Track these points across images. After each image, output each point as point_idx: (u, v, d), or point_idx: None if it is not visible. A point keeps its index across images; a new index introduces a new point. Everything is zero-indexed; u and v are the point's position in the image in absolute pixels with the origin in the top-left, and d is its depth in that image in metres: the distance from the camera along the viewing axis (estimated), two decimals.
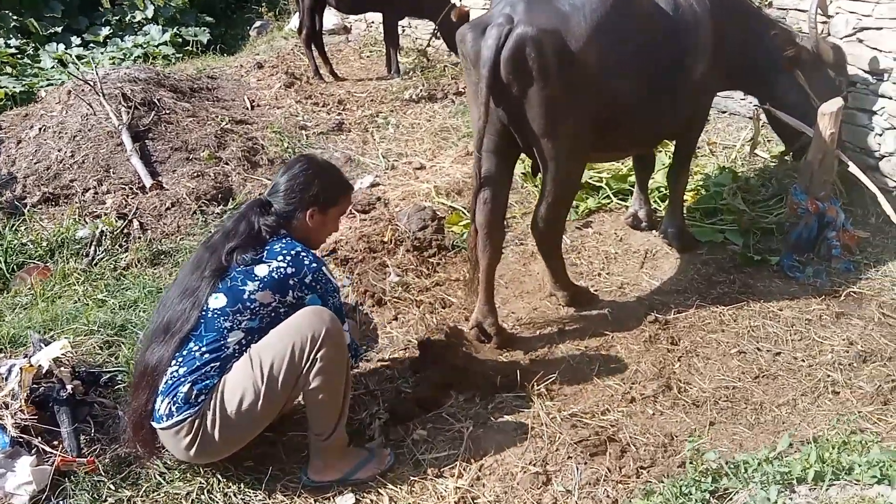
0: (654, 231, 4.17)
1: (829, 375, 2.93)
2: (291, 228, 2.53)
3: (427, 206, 4.43)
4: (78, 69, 6.51)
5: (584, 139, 3.05)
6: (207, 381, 2.28)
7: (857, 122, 4.11)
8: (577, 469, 2.49)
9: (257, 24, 10.40)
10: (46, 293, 3.70)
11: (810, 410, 2.78)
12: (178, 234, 4.35)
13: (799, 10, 4.51)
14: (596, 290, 3.71)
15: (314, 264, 2.43)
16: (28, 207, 4.49)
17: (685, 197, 4.37)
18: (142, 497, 2.40)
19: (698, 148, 5.05)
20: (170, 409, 2.26)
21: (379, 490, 2.49)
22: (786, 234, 3.86)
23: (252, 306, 2.34)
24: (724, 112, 5.38)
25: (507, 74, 2.81)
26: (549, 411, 2.77)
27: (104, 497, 2.38)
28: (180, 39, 9.59)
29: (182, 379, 2.27)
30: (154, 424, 2.31)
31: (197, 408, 2.26)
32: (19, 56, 8.48)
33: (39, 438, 2.44)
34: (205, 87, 6.54)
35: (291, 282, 2.38)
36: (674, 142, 3.84)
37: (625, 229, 4.28)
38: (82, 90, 5.44)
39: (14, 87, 6.33)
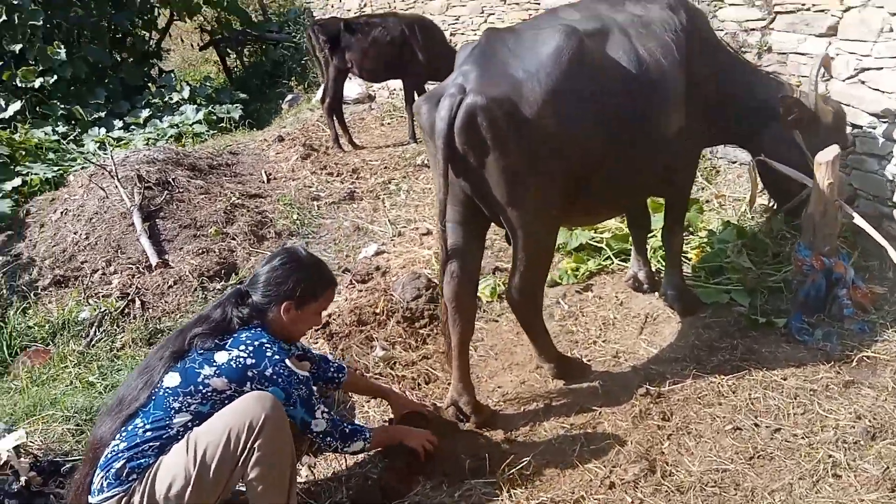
0: (656, 293, 3.97)
1: (830, 456, 2.66)
2: (266, 321, 2.50)
3: (423, 273, 4.35)
4: (103, 153, 6.81)
5: (552, 204, 2.94)
6: (143, 460, 2.22)
7: (868, 168, 3.87)
8: None
9: (289, 97, 10.76)
10: (42, 377, 3.76)
11: (807, 497, 2.51)
12: (178, 311, 4.40)
13: (798, 54, 4.34)
14: (589, 360, 3.53)
15: (276, 356, 2.37)
16: (39, 290, 4.63)
17: (689, 255, 4.19)
18: None
19: (706, 202, 4.90)
20: (101, 484, 2.22)
21: None
22: (793, 294, 3.62)
23: (205, 391, 2.30)
24: (734, 163, 5.17)
25: (462, 145, 2.75)
26: (518, 500, 2.59)
27: None
28: (214, 117, 9.96)
29: (119, 455, 2.22)
30: (90, 499, 2.25)
31: (126, 486, 2.20)
32: (64, 142, 8.94)
33: None
34: (224, 164, 6.74)
35: (250, 373, 2.34)
36: (663, 199, 3.69)
37: (626, 292, 4.10)
38: (101, 174, 5.66)
39: (46, 174, 6.63)
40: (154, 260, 4.75)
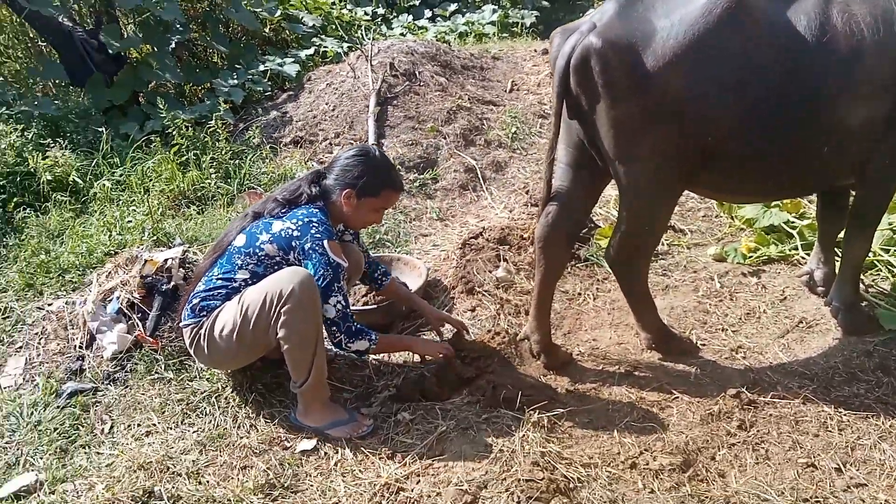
0: None
1: None
2: (329, 203, 2.82)
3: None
4: (383, 38, 7.53)
5: (667, 169, 2.69)
6: (212, 302, 2.71)
7: None
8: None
9: (590, 12, 10.52)
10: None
11: None
12: None
13: None
14: (704, 345, 3.26)
15: (318, 234, 2.66)
16: (281, 145, 5.50)
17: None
18: (175, 380, 3.00)
19: None
20: (185, 313, 2.77)
21: (338, 448, 2.70)
22: None
23: (259, 254, 2.70)
24: None
25: (576, 86, 2.64)
26: (531, 442, 2.62)
27: (153, 371, 3.04)
28: (508, 20, 10.23)
29: (198, 293, 2.75)
30: (181, 323, 2.84)
31: (198, 319, 2.72)
32: (376, 23, 9.97)
33: (139, 315, 3.19)
34: (478, 66, 7.01)
35: (294, 244, 2.68)
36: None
37: (797, 289, 3.60)
38: (365, 56, 6.33)
39: (338, 48, 7.57)
40: (371, 140, 5.30)
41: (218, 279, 2.73)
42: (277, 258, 2.70)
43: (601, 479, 2.49)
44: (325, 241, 2.66)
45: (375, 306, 3.46)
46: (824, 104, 2.56)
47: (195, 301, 2.73)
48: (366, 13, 10.22)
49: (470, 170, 5.14)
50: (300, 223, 2.69)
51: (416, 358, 3.17)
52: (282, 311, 2.55)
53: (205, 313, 2.71)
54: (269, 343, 2.67)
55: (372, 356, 3.16)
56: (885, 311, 3.27)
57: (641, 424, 2.78)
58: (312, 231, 2.67)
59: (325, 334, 2.70)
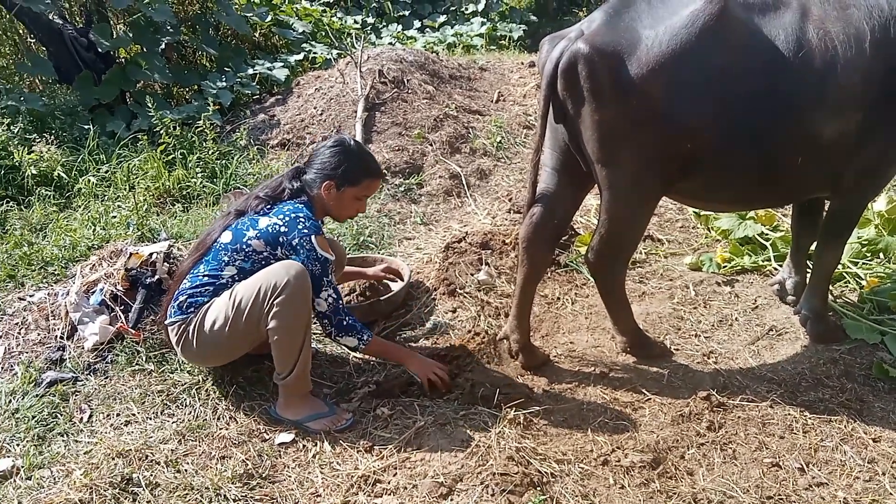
0: None
1: None
2: (312, 197, 2.87)
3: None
4: (371, 45, 7.62)
5: (647, 175, 2.78)
6: (199, 298, 2.75)
7: None
8: (481, 496, 2.41)
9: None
10: None
11: None
12: None
13: None
14: (677, 349, 3.34)
15: (305, 230, 2.71)
16: (267, 147, 5.55)
17: (864, 281, 3.61)
18: (156, 372, 3.03)
19: None
20: (171, 311, 2.80)
21: (317, 441, 2.74)
22: None
23: (247, 250, 2.75)
24: None
25: (562, 91, 2.73)
26: (506, 437, 2.68)
27: (134, 363, 3.07)
28: (496, 33, 10.37)
29: (184, 291, 2.78)
30: (166, 320, 2.88)
31: (185, 316, 2.75)
32: (366, 31, 10.06)
33: (122, 307, 3.21)
34: (465, 77, 7.12)
35: (281, 239, 2.72)
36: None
37: (769, 298, 3.70)
38: (354, 62, 6.41)
39: (326, 55, 7.64)
40: None
41: (205, 276, 2.76)
42: (265, 253, 2.74)
43: (574, 475, 2.55)
44: (313, 237, 2.71)
45: (357, 305, 3.51)
46: (800, 117, 2.66)
47: (182, 298, 2.76)
48: (355, 21, 10.32)
49: (455, 176, 5.22)
50: (287, 219, 2.74)
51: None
52: (275, 302, 2.59)
53: (192, 310, 2.75)
54: (258, 336, 2.71)
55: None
56: (851, 320, 3.37)
57: (614, 423, 2.85)
58: (300, 226, 2.71)
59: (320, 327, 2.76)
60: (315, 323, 2.86)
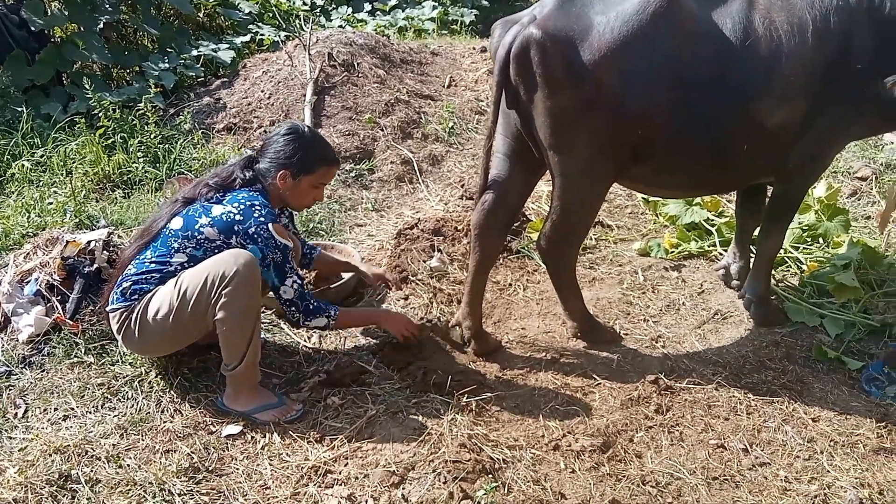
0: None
1: None
2: (266, 186, 2.80)
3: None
4: (321, 28, 7.48)
5: (599, 161, 2.79)
6: (144, 286, 2.65)
7: None
8: (433, 484, 2.40)
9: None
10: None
11: None
12: None
13: None
14: (626, 334, 3.38)
15: (261, 218, 2.64)
16: (213, 132, 5.39)
17: (805, 266, 3.72)
18: (96, 364, 2.92)
19: (867, 218, 4.23)
20: (113, 297, 2.70)
21: (266, 432, 2.68)
22: (890, 340, 3.09)
23: (199, 237, 2.66)
24: None
25: (515, 76, 2.71)
26: (458, 425, 2.67)
27: (73, 355, 2.95)
28: (448, 17, 10.30)
29: (129, 277, 2.67)
30: (107, 307, 2.77)
31: (128, 303, 2.65)
32: (315, 13, 9.85)
33: (58, 297, 3.08)
34: (417, 61, 7.04)
35: (236, 227, 2.64)
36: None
37: (714, 283, 3.78)
38: (303, 45, 6.26)
39: (275, 37, 7.46)
40: None
41: (152, 262, 2.66)
42: (217, 242, 2.65)
43: (525, 460, 2.57)
44: (270, 225, 2.65)
45: (322, 289, 3.45)
46: (746, 104, 2.71)
47: (126, 284, 2.66)
48: (304, 2, 10.09)
49: (406, 162, 5.16)
50: (242, 207, 2.66)
51: (349, 344, 3.17)
52: (223, 292, 2.52)
53: (136, 297, 2.64)
54: (205, 326, 2.63)
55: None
56: (793, 304, 3.47)
57: (565, 408, 2.87)
58: (255, 215, 2.64)
59: (278, 315, 2.70)
60: (265, 311, 2.79)
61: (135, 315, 2.63)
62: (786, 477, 2.52)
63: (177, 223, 2.70)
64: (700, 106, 2.70)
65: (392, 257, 3.80)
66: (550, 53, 2.60)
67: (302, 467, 2.50)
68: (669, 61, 2.63)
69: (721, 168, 2.92)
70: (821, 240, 3.92)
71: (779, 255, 3.61)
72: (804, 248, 3.90)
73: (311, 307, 2.73)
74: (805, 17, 2.74)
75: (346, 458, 2.55)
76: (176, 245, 2.67)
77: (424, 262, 3.81)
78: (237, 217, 2.65)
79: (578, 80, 2.62)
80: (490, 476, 2.45)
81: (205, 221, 2.67)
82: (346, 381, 2.93)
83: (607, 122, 2.69)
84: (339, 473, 2.48)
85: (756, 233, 3.48)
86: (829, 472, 2.54)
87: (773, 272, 3.48)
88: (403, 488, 2.40)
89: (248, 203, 2.67)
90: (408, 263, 3.76)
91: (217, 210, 2.68)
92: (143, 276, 2.66)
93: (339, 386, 2.92)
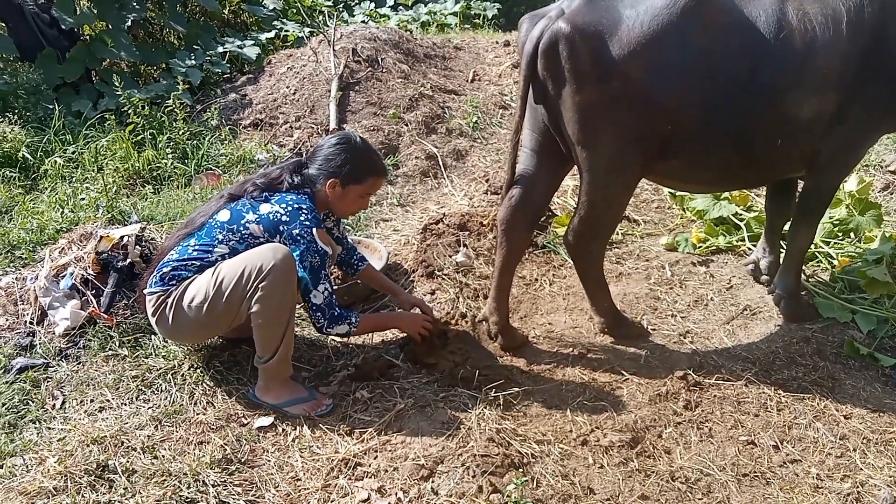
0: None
1: None
2: (314, 191, 2.83)
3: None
4: (344, 23, 7.50)
5: (627, 156, 2.78)
6: (183, 272, 2.69)
7: None
8: (462, 478, 2.42)
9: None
10: (208, 195, 4.52)
11: None
12: None
13: None
14: (654, 329, 3.37)
15: (307, 222, 2.67)
16: (240, 127, 5.45)
17: (836, 261, 3.67)
18: (130, 357, 2.97)
19: None
20: (152, 280, 2.74)
21: (297, 425, 2.71)
22: None
23: (244, 232, 2.69)
24: None
25: (543, 71, 2.70)
26: (486, 419, 2.68)
27: (108, 348, 3.00)
28: (470, 11, 10.28)
29: (170, 262, 2.71)
30: (145, 290, 2.81)
31: (165, 288, 2.69)
32: (338, 9, 9.89)
33: (93, 291, 3.14)
34: (440, 56, 7.04)
35: (281, 227, 2.67)
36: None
37: (743, 278, 3.75)
38: (327, 41, 6.30)
39: (298, 33, 7.50)
40: (332, 125, 5.30)
41: (195, 250, 2.70)
42: (261, 239, 2.68)
43: (553, 455, 2.57)
44: (314, 230, 2.67)
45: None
46: (778, 97, 2.67)
47: (165, 269, 2.70)
48: None
49: (431, 157, 5.18)
50: (290, 209, 2.69)
51: (376, 339, 3.20)
52: (260, 286, 2.55)
53: (174, 282, 2.68)
54: (238, 318, 2.65)
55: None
56: (824, 300, 3.43)
57: (593, 404, 2.87)
58: (302, 218, 2.67)
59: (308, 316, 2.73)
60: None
61: (171, 300, 2.67)
62: (817, 474, 2.50)
63: (224, 215, 2.74)
64: (731, 99, 2.67)
65: (418, 252, 3.82)
66: (579, 48, 2.59)
67: (332, 460, 2.53)
68: (700, 55, 2.60)
69: (751, 162, 2.89)
70: (852, 234, 3.87)
71: (809, 250, 3.59)
72: (835, 243, 3.85)
73: (336, 315, 2.75)
74: (839, 7, 2.70)
75: (376, 451, 2.57)
76: (220, 236, 2.71)
77: (450, 256, 3.82)
78: (283, 218, 2.68)
79: (607, 75, 2.61)
80: (519, 470, 2.46)
81: (251, 218, 2.71)
82: (374, 375, 2.96)
83: (636, 116, 2.68)
84: (369, 466, 2.50)
85: (786, 228, 3.44)
86: (862, 469, 2.52)
87: (803, 267, 3.44)
88: (433, 481, 2.42)
89: (295, 206, 2.70)
90: (433, 258, 3.78)
91: (265, 208, 2.72)
92: (184, 263, 2.70)
93: (368, 380, 2.95)
